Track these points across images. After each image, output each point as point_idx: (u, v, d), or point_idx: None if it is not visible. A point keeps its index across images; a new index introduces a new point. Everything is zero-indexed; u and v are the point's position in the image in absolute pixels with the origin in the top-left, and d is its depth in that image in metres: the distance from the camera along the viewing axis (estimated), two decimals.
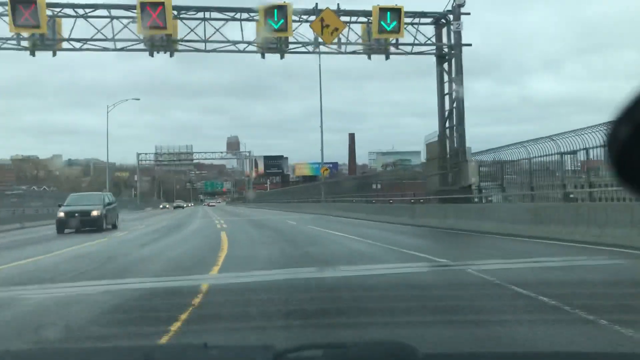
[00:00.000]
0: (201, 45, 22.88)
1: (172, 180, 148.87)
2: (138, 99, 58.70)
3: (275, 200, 74.54)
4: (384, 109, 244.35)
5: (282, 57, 23.04)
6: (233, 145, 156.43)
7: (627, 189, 1.40)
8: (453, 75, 23.70)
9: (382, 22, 22.33)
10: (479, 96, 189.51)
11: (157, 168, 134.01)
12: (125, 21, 22.24)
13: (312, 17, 22.47)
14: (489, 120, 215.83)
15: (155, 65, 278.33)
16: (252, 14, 22.73)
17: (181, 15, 22.73)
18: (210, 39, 22.72)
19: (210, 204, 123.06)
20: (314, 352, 1.93)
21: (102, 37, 22.26)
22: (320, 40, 22.83)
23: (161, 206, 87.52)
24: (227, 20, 22.94)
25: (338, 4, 22.81)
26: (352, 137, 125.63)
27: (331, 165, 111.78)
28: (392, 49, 23.61)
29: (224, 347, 2.56)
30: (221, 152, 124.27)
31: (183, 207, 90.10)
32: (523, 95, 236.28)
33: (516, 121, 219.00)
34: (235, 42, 23.00)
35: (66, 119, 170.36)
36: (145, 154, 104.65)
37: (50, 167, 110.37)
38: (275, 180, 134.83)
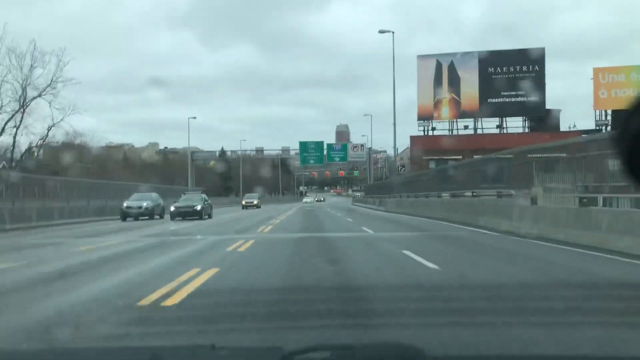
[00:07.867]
0: None
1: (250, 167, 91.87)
2: None
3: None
4: None
5: None
6: (343, 134, 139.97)
7: (631, 181, 1.41)
8: None
9: None
10: None
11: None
12: None
13: None
14: None
15: (242, 55, 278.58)
16: None
17: None
18: None
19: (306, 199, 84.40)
20: (321, 353, 1.90)
21: None
22: None
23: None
24: None
25: None
26: None
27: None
28: None
29: (231, 348, 2.50)
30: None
31: None
32: None
33: None
34: None
35: (167, 114, 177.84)
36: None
37: (143, 156, 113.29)
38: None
